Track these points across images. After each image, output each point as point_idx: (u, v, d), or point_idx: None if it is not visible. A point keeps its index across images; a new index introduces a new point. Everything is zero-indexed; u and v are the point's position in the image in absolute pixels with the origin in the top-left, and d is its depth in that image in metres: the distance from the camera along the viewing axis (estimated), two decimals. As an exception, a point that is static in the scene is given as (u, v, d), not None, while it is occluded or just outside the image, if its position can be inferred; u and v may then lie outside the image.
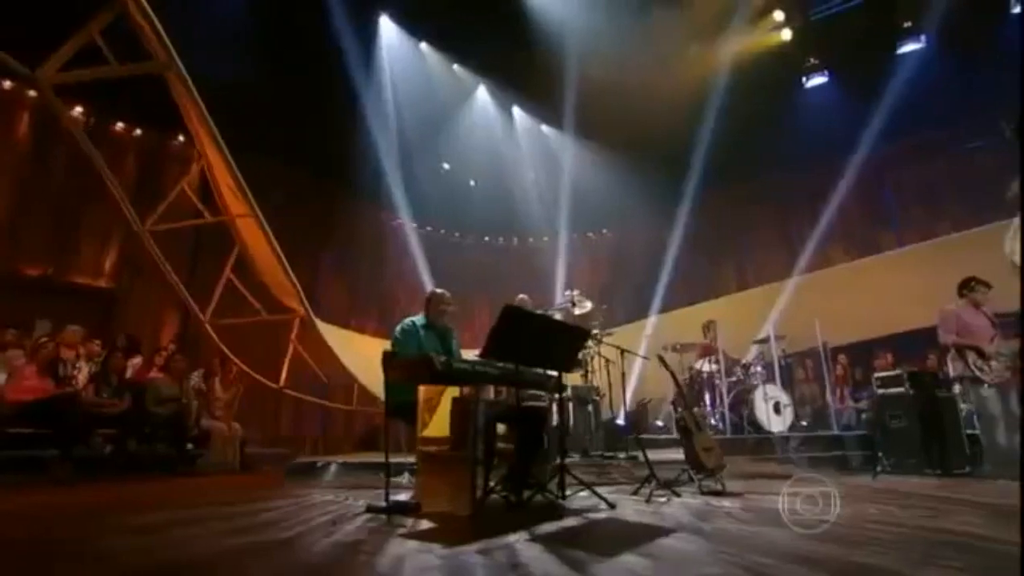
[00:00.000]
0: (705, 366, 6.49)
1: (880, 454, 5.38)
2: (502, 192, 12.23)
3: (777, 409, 5.97)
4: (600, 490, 4.20)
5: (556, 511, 3.11)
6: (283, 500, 3.71)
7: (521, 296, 6.61)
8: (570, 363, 3.82)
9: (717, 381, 6.33)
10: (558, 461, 3.64)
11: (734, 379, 6.60)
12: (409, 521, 2.92)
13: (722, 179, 11.21)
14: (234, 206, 6.14)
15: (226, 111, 8.52)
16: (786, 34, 9.55)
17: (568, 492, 3.61)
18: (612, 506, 3.33)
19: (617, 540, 2.43)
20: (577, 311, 5.92)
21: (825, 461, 6.01)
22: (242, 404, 7.84)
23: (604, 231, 13.13)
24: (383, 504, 3.20)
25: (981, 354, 4.66)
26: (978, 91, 9.31)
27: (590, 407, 6.00)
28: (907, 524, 2.70)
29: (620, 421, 7.53)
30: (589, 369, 5.88)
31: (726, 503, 3.52)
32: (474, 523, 2.87)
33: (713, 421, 6.37)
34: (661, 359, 4.64)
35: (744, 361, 6.67)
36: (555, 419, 5.61)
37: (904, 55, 10.20)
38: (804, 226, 10.59)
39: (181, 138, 9.09)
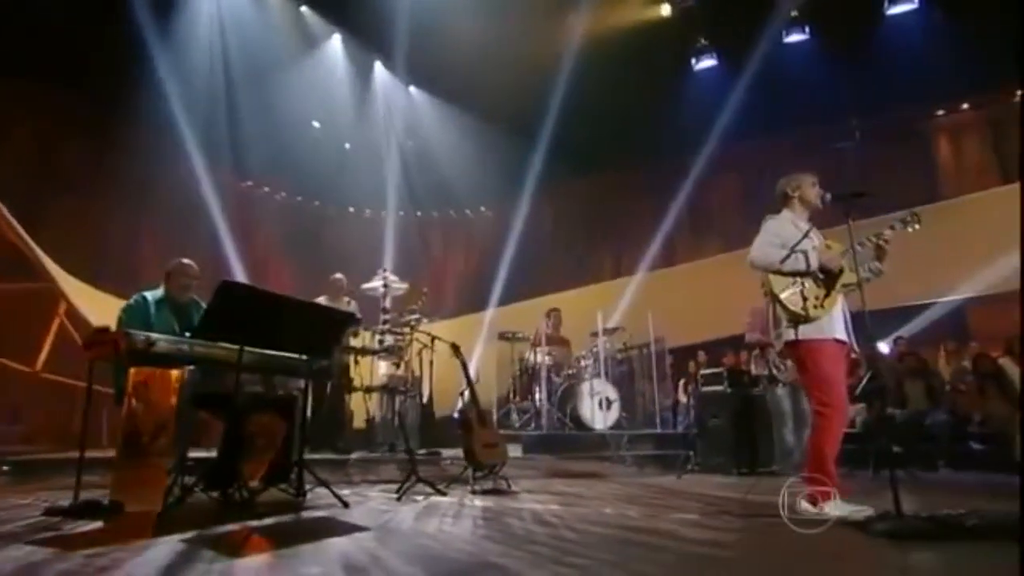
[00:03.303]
0: (535, 357, 6.68)
1: (691, 453, 5.78)
2: (368, 160, 11.96)
3: (603, 405, 6.26)
4: (384, 488, 4.27)
5: (260, 510, 3.07)
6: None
7: (336, 276, 6.56)
8: (326, 348, 3.77)
9: (548, 373, 6.56)
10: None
11: (572, 372, 6.86)
12: (72, 523, 2.79)
13: (605, 162, 11.58)
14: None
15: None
16: (665, 9, 9.92)
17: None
18: (346, 505, 3.36)
19: (278, 540, 2.45)
20: (391, 293, 5.91)
21: (652, 460, 6.40)
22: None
23: (482, 209, 13.23)
24: (66, 505, 3.05)
25: (781, 353, 5.09)
26: (852, 89, 10.16)
27: (408, 399, 6.05)
28: (611, 524, 2.89)
29: (456, 415, 7.63)
30: (404, 358, 5.90)
31: (478, 503, 3.64)
32: (154, 523, 2.78)
33: (550, 418, 6.58)
34: (455, 348, 4.72)
35: (577, 354, 6.95)
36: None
37: (790, 45, 10.94)
38: (683, 215, 11.17)
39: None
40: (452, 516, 3.13)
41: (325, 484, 3.52)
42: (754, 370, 5.31)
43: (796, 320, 3.14)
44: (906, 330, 8.56)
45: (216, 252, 9.99)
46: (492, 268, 11.46)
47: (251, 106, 9.91)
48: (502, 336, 7.00)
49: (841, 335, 3.21)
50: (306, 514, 3.22)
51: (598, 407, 6.23)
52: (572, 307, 8.13)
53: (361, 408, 6.34)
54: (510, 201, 11.84)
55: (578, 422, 6.30)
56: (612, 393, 6.41)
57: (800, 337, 3.14)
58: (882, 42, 10.19)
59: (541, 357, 6.56)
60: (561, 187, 11.69)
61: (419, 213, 13.29)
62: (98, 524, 2.80)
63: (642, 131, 10.77)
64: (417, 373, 6.28)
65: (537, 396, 6.45)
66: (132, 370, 3.28)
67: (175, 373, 3.14)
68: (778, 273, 3.22)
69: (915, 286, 8.69)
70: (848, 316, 3.28)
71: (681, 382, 8.49)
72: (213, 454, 3.44)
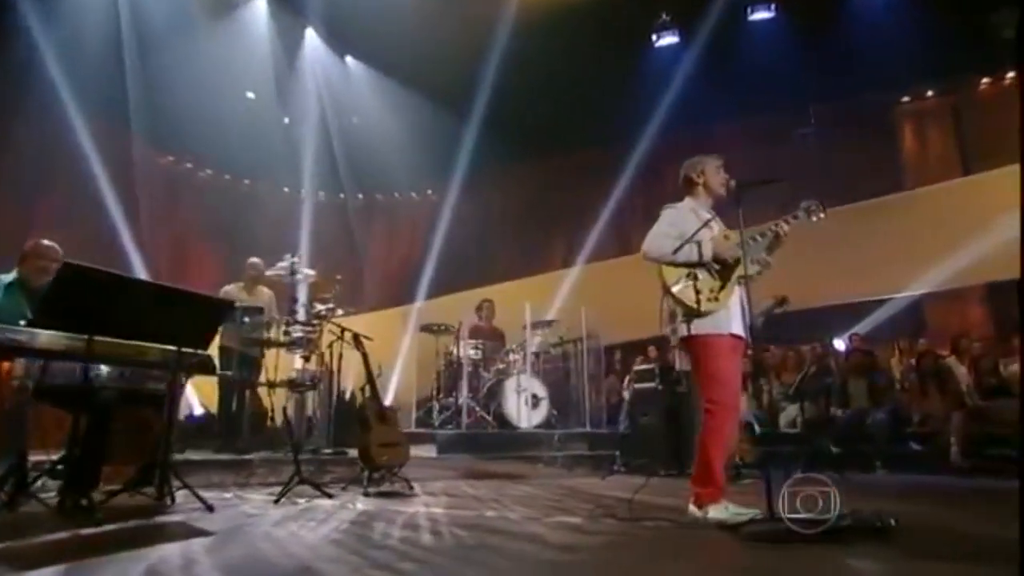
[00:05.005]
0: (459, 351, 6.64)
1: (618, 452, 5.84)
2: (304, 136, 11.74)
3: (529, 402, 6.27)
4: (274, 490, 4.21)
5: (103, 516, 2.99)
6: None
7: (252, 260, 6.43)
8: (197, 338, 3.68)
9: (476, 368, 6.56)
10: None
11: (503, 367, 6.87)
12: None
13: (558, 143, 11.55)
14: None
15: None
16: (618, -22, 9.92)
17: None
18: (210, 509, 3.31)
19: (96, 550, 2.40)
20: (300, 280, 5.80)
21: (584, 460, 6.44)
22: None
23: (429, 192, 13.14)
24: None
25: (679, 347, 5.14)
26: (816, 71, 10.28)
27: (317, 395, 6.00)
28: (481, 527, 2.92)
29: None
30: (315, 351, 5.80)
31: (360, 506, 3.63)
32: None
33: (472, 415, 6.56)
34: (356, 338, 4.69)
35: (507, 348, 6.96)
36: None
37: (755, 23, 11.00)
38: (639, 202, 11.22)
39: None
40: (319, 520, 3.12)
41: (188, 487, 3.45)
42: (677, 365, 5.37)
43: (690, 314, 3.18)
44: (863, 327, 8.76)
45: (122, 235, 9.68)
46: (436, 255, 11.41)
47: (167, 72, 9.63)
48: (425, 328, 6.96)
49: (738, 330, 3.24)
50: (160, 519, 3.17)
51: (524, 404, 6.25)
52: (519, 298, 8.10)
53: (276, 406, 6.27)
54: (458, 184, 11.75)
55: (502, 420, 6.30)
56: (540, 390, 6.43)
57: (694, 332, 3.17)
58: (849, 21, 10.31)
59: (465, 351, 6.54)
60: (511, 169, 11.64)
61: (360, 196, 13.14)
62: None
63: (598, 111, 10.76)
64: (331, 368, 6.21)
65: (464, 392, 6.43)
66: (-33, 363, 3.17)
67: (6, 365, 3.04)
68: (672, 264, 3.25)
69: (873, 281, 8.90)
70: (747, 310, 3.32)
71: (627, 379, 8.57)
72: (54, 457, 3.33)
